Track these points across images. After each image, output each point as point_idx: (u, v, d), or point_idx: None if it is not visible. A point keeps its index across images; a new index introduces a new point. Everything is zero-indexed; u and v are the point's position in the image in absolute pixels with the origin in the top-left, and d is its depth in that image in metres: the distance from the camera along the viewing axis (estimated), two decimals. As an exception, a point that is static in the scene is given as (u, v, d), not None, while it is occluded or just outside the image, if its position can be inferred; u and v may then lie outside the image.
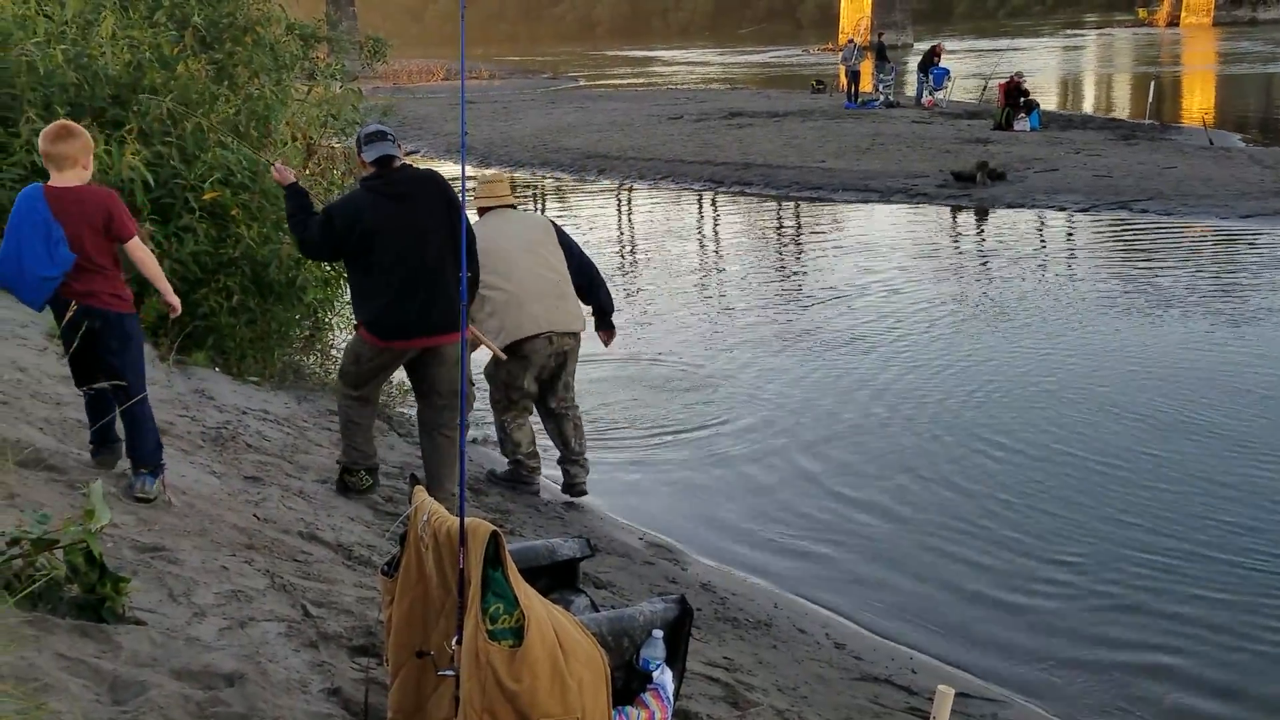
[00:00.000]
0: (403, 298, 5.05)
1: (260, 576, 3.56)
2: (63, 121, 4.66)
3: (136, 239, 4.42)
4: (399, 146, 5.18)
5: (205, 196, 7.05)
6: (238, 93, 8.05)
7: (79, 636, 2.63)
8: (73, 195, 4.26)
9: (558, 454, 6.57)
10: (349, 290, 5.50)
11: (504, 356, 6.27)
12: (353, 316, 5.64)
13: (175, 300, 4.60)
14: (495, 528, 2.67)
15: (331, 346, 8.80)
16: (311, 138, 9.19)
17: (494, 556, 2.65)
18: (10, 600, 2.49)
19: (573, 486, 6.53)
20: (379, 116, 12.64)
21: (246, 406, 6.47)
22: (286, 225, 5.84)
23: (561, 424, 6.48)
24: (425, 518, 2.94)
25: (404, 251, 5.02)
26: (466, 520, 2.72)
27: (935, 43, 28.97)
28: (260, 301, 7.32)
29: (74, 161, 4.30)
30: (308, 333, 8.43)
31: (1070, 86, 36.73)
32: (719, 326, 10.52)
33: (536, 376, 6.26)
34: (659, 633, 3.07)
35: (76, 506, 3.44)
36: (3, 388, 4.69)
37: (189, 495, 4.30)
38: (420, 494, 3.10)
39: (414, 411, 6.85)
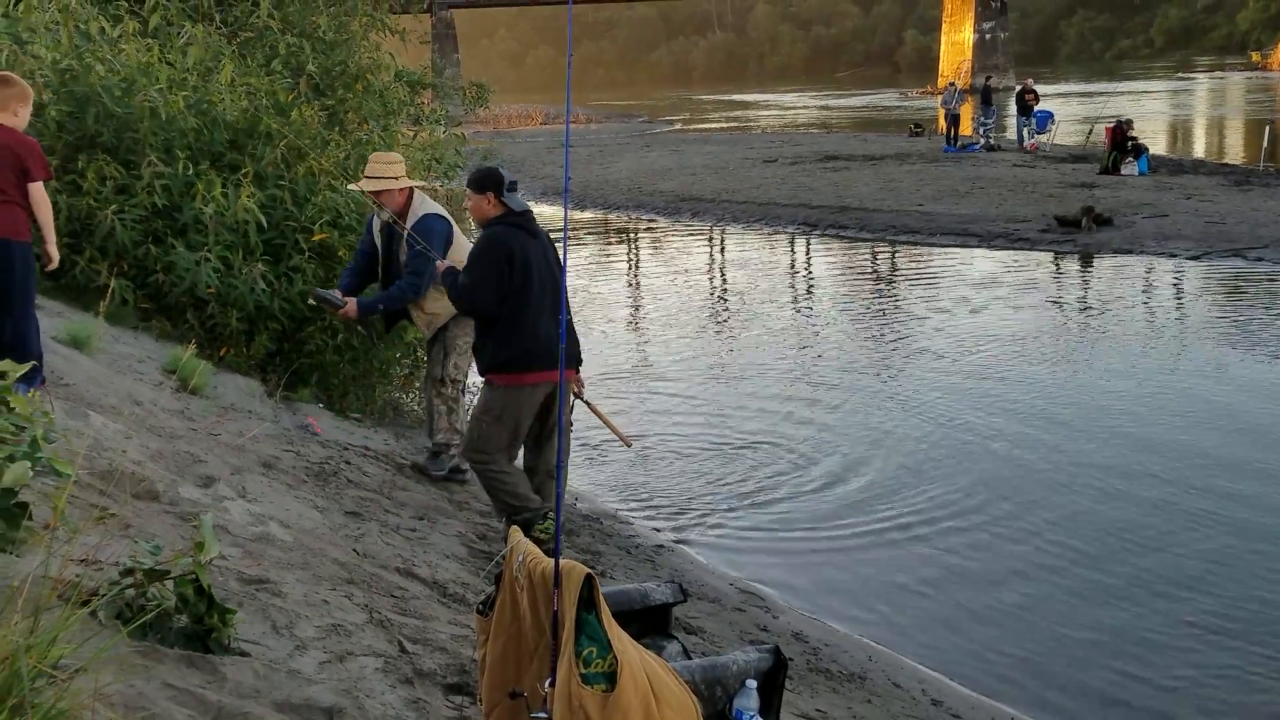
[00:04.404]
0: (550, 327, 5.15)
1: (359, 611, 3.63)
2: (3, 73, 5.30)
3: (40, 185, 5.00)
4: None
5: (315, 238, 7.26)
6: (348, 137, 8.29)
7: (186, 666, 2.70)
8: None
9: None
10: (487, 339, 5.33)
11: (629, 443, 6.48)
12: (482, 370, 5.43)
13: (55, 252, 5.20)
14: (590, 570, 2.68)
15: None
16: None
17: (588, 599, 2.66)
18: (125, 630, 2.57)
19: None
20: (480, 159, 12.91)
21: (348, 442, 6.61)
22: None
23: None
24: (521, 558, 2.97)
25: (548, 283, 5.21)
26: (561, 562, 2.74)
27: (1024, 82, 28.46)
28: (363, 340, 7.50)
29: (5, 106, 4.95)
30: (407, 371, 8.60)
31: (1180, 130, 35.88)
32: (810, 370, 10.46)
33: None
34: (753, 682, 3.05)
35: (187, 538, 3.55)
36: (121, 422, 4.87)
37: (293, 529, 4.41)
38: (516, 534, 3.13)
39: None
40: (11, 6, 7.94)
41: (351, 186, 6.60)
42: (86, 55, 7.47)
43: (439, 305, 6.10)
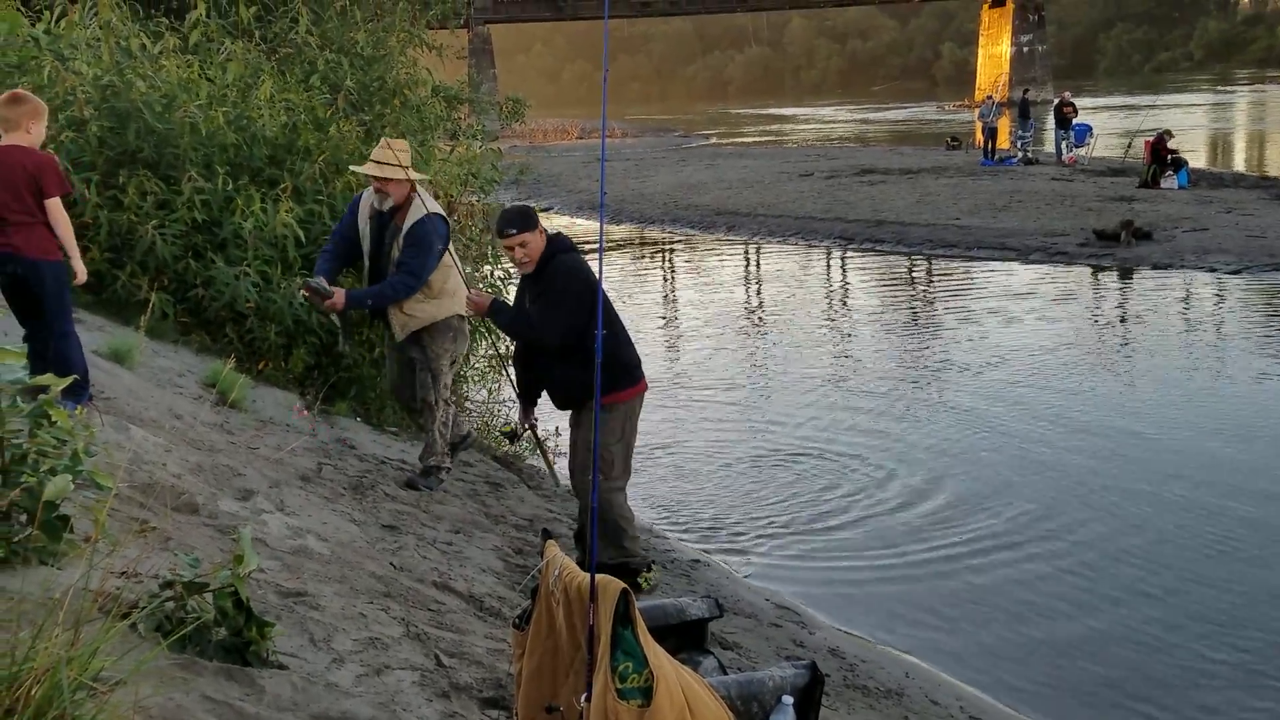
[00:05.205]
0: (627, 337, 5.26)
1: (396, 625, 3.63)
2: (14, 90, 5.26)
3: (56, 201, 4.95)
4: None
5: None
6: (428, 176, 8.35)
7: (225, 679, 2.71)
8: (14, 157, 4.85)
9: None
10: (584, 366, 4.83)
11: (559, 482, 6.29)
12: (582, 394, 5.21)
13: (80, 267, 5.12)
14: (626, 585, 2.67)
15: (466, 399, 8.98)
16: (452, 195, 9.46)
17: (624, 614, 2.65)
18: (164, 643, 2.58)
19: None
20: (516, 174, 12.97)
21: (385, 456, 6.64)
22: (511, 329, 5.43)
23: None
24: (557, 572, 2.96)
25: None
26: (597, 577, 2.73)
27: (1062, 95, 28.25)
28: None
29: (17, 125, 4.92)
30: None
31: (1220, 144, 35.48)
32: (849, 385, 10.40)
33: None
34: (789, 699, 3.02)
35: (226, 551, 3.57)
36: (161, 435, 4.91)
37: (331, 542, 4.43)
38: (552, 548, 3.13)
39: (542, 464, 6.94)
40: (53, 23, 8.07)
41: (355, 168, 6.20)
42: (127, 71, 7.57)
43: (419, 309, 5.88)
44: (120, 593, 2.70)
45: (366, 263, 5.99)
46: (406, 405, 6.26)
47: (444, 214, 6.01)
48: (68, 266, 5.12)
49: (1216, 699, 5.04)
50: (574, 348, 5.00)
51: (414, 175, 5.86)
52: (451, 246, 6.02)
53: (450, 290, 5.92)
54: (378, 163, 5.77)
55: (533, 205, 5.20)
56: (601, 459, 5.07)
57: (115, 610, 2.52)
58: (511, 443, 7.32)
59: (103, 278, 7.08)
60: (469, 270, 8.56)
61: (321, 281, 5.77)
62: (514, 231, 4.94)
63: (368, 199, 5.93)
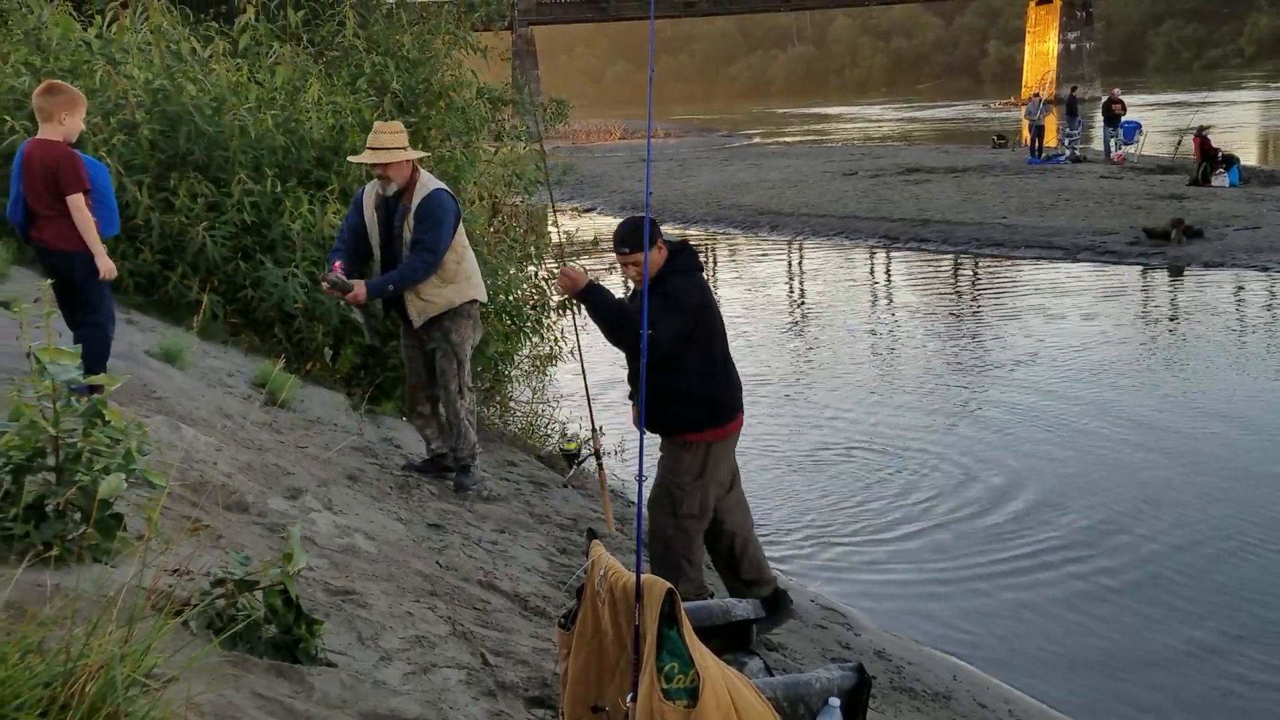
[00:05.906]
0: (733, 368, 4.86)
1: (442, 623, 3.65)
2: (51, 80, 5.27)
3: (77, 198, 4.94)
4: None
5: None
6: (431, 154, 8.41)
7: (275, 676, 2.74)
8: (37, 152, 4.92)
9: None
10: (677, 397, 4.62)
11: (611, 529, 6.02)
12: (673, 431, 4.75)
13: (104, 263, 5.07)
14: (671, 585, 2.67)
15: (510, 399, 9.02)
16: (497, 196, 9.50)
17: (670, 614, 2.64)
18: (216, 640, 2.61)
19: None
20: (560, 174, 13.00)
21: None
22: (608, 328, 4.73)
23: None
24: (602, 572, 2.97)
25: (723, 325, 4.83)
26: (643, 577, 2.73)
27: (1111, 92, 27.88)
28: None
29: (50, 116, 4.94)
30: (488, 385, 8.67)
31: (1272, 141, 34.84)
32: (897, 384, 10.32)
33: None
34: (836, 701, 3.01)
35: (275, 549, 3.61)
36: (212, 435, 4.97)
37: (378, 541, 4.46)
38: (597, 549, 3.13)
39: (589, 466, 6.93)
40: (105, 28, 8.20)
41: (353, 158, 6.04)
42: (178, 75, 7.68)
43: (436, 294, 5.70)
44: (172, 590, 2.73)
45: (378, 253, 5.84)
46: (415, 406, 6.10)
47: (450, 191, 5.88)
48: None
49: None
50: (668, 369, 4.52)
51: (412, 154, 5.73)
52: (462, 228, 5.90)
53: (466, 274, 5.81)
54: (374, 149, 5.63)
55: (652, 218, 4.72)
56: (670, 496, 4.77)
57: (168, 608, 2.55)
58: (569, 464, 7.09)
59: (154, 279, 7.19)
60: (512, 271, 8.60)
61: (340, 275, 5.61)
62: (626, 251, 4.62)
63: (371, 190, 5.81)
